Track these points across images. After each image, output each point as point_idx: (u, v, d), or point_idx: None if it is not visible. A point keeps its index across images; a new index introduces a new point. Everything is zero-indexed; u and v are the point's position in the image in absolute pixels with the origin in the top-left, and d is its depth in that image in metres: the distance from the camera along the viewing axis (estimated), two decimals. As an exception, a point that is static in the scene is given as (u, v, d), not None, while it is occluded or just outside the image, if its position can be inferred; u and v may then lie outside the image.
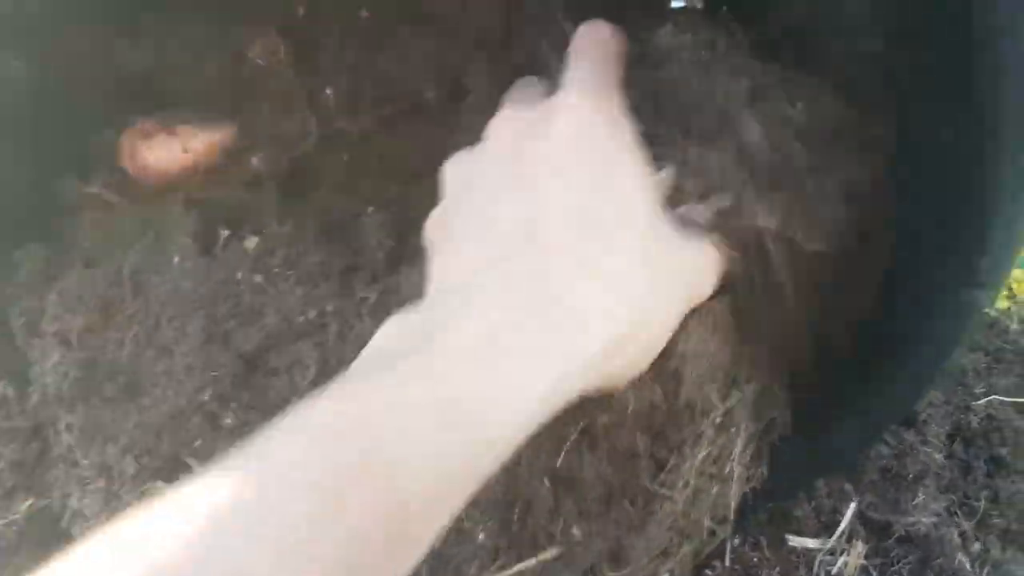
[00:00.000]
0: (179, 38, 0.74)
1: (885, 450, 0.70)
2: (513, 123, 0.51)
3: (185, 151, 0.72)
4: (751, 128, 0.50)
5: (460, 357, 0.36)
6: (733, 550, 0.63)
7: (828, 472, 0.65)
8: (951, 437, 0.73)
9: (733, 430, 0.56)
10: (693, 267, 0.46)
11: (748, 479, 0.59)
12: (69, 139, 0.72)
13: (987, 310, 0.99)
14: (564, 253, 0.41)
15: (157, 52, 0.74)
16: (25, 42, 0.67)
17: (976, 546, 0.66)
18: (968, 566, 0.64)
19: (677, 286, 0.45)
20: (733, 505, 0.55)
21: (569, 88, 0.48)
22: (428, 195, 0.81)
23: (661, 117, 0.52)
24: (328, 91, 0.75)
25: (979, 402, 0.75)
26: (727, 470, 0.56)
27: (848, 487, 0.68)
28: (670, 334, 0.45)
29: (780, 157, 0.50)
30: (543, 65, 0.80)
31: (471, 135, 0.79)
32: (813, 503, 0.66)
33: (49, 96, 0.70)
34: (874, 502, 0.67)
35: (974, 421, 0.73)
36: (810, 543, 0.64)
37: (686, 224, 0.47)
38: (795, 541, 0.64)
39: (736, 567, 0.62)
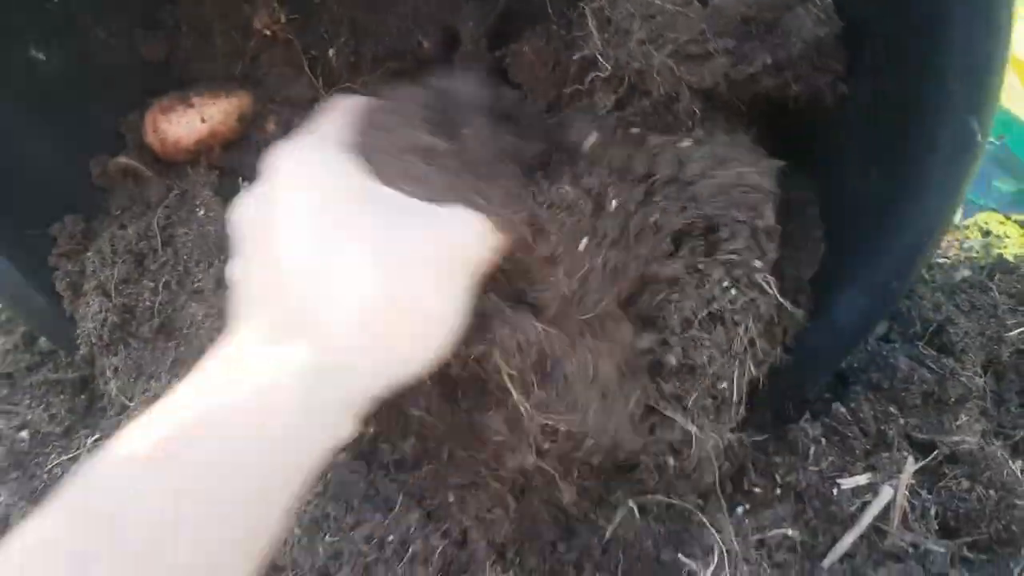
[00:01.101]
0: (191, 22, 0.80)
1: (927, 375, 0.69)
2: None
3: (203, 120, 0.77)
4: None
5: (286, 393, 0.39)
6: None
7: (838, 354, 0.65)
8: (984, 368, 0.72)
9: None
10: (454, 238, 0.47)
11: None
12: (97, 122, 0.78)
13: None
14: (301, 273, 0.42)
15: (172, 37, 0.80)
16: (47, 34, 0.73)
17: (1020, 463, 0.65)
18: (1019, 474, 0.63)
19: (437, 262, 0.46)
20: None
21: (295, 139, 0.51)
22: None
23: None
24: (331, 52, 0.80)
25: (1011, 334, 0.75)
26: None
27: (893, 409, 0.68)
28: (458, 303, 0.47)
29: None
30: (531, 7, 0.84)
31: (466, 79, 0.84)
32: (861, 426, 0.66)
33: (74, 83, 0.75)
34: (918, 424, 0.66)
35: (1005, 353, 0.72)
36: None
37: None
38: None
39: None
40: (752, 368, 0.58)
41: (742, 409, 0.58)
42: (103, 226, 0.73)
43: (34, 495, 0.67)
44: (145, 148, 0.79)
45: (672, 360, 0.58)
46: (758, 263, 0.58)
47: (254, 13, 0.78)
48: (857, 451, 0.65)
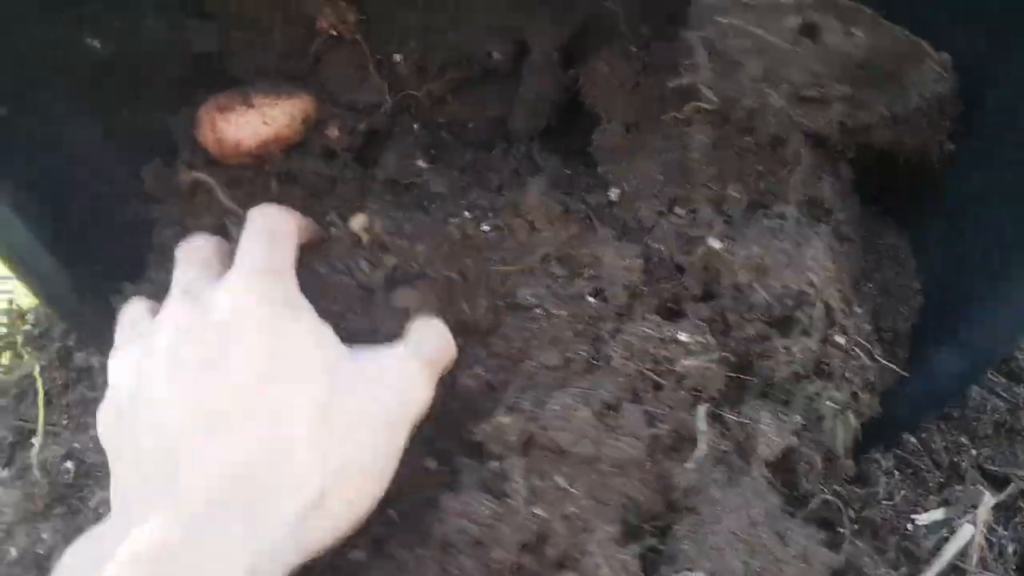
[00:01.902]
0: (246, 15, 0.75)
1: (999, 404, 0.72)
2: (179, 313, 0.50)
3: (265, 123, 0.73)
4: None
5: (138, 571, 0.36)
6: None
7: (933, 408, 0.68)
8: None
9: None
10: (397, 391, 0.48)
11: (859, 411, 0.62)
12: (146, 118, 0.73)
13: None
14: (242, 435, 0.41)
15: (225, 28, 0.76)
16: (101, 19, 0.68)
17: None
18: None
19: (379, 420, 0.46)
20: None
21: (236, 269, 0.52)
22: (497, 161, 0.84)
23: None
24: (398, 58, 0.77)
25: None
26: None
27: (964, 439, 0.70)
28: (391, 460, 0.46)
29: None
30: (605, 24, 0.83)
31: (534, 95, 0.83)
32: (933, 457, 0.68)
33: (125, 74, 0.71)
34: (991, 455, 0.69)
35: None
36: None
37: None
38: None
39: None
40: (853, 422, 0.60)
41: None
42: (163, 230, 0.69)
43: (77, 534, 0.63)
44: (197, 148, 0.74)
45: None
46: (841, 339, 0.59)
47: (319, 12, 0.74)
48: (930, 484, 0.68)
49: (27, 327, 0.79)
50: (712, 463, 0.53)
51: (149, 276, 0.70)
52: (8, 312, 0.80)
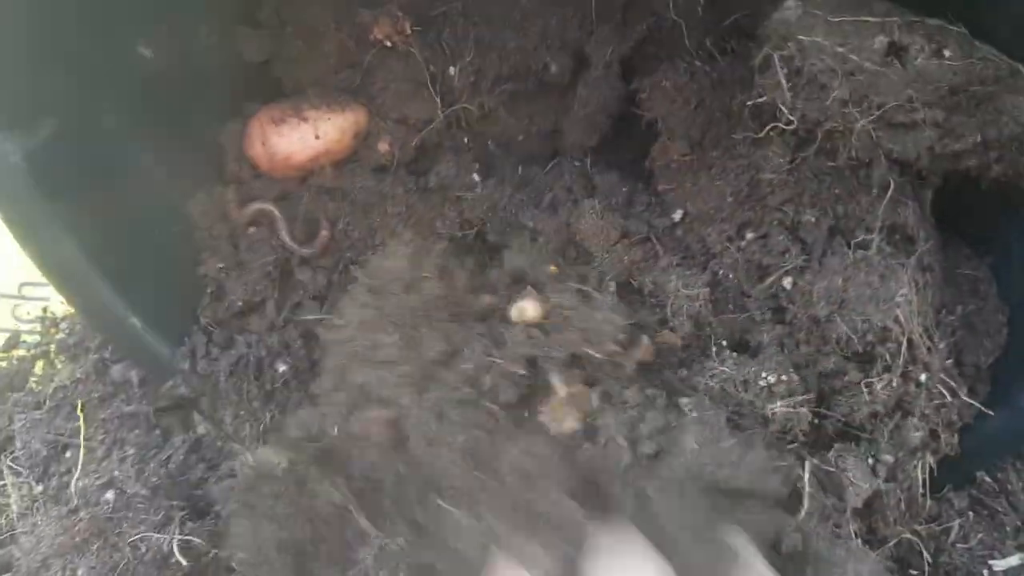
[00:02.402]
0: (299, 24, 0.74)
1: None
2: None
3: (317, 137, 0.71)
4: None
5: None
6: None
7: (1014, 447, 0.65)
8: None
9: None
10: None
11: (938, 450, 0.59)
12: (196, 130, 0.72)
13: None
14: None
15: (276, 38, 0.74)
16: (154, 30, 0.66)
17: None
18: None
19: None
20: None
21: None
22: (546, 179, 0.82)
23: None
24: (452, 70, 0.75)
25: None
26: None
27: None
28: None
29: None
30: (665, 37, 0.81)
31: (592, 108, 0.80)
32: (1009, 498, 0.66)
33: (176, 85, 0.69)
34: None
35: None
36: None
37: None
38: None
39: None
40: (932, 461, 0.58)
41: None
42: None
43: (114, 573, 0.60)
44: (245, 160, 0.72)
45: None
46: (923, 376, 0.57)
47: (375, 21, 0.72)
48: (1008, 527, 0.65)
49: (61, 335, 0.77)
50: (816, 520, 0.51)
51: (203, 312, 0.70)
52: (42, 320, 0.79)
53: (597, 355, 0.55)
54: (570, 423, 0.59)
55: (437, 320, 0.56)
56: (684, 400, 0.56)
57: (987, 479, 0.67)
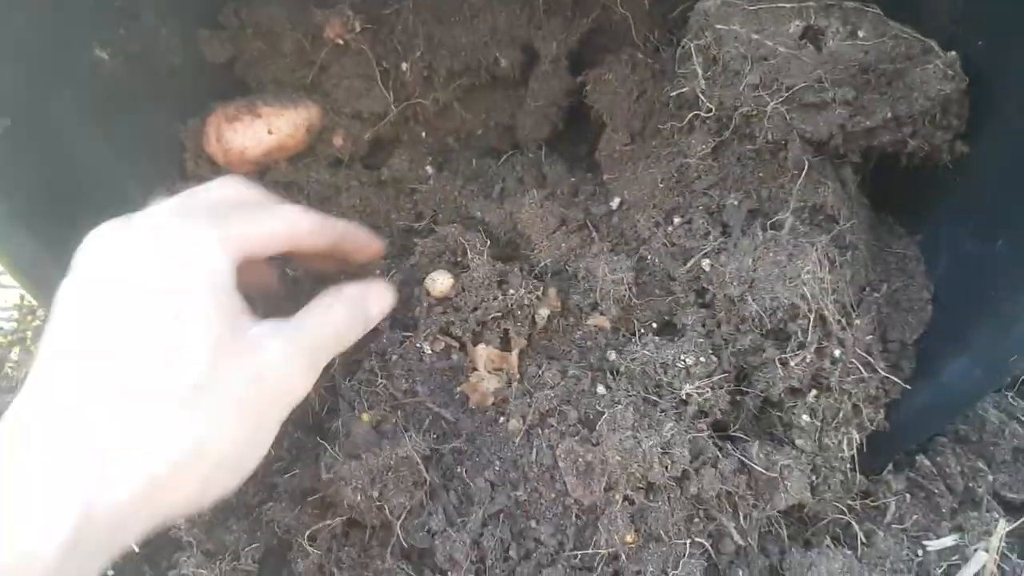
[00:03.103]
0: (257, 25, 0.78)
1: (1019, 429, 0.69)
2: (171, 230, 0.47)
3: (270, 132, 0.75)
4: None
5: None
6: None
7: (940, 422, 0.65)
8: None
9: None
10: (272, 381, 0.45)
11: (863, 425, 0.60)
12: (157, 127, 0.76)
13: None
14: (117, 391, 0.40)
15: (237, 39, 0.78)
16: (111, 32, 0.70)
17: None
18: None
19: (252, 401, 0.44)
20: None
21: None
22: (500, 170, 0.84)
23: None
24: (404, 66, 0.78)
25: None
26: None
27: (981, 464, 0.68)
28: (254, 449, 0.45)
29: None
30: (613, 30, 0.83)
31: (543, 101, 0.83)
32: (947, 481, 0.66)
33: (136, 85, 0.73)
34: (1008, 482, 0.66)
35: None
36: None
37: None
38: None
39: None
40: (857, 437, 0.59)
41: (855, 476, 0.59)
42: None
43: None
44: (204, 157, 0.76)
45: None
46: (838, 352, 0.58)
47: (327, 21, 0.76)
48: (943, 509, 0.66)
49: (37, 323, 0.81)
50: None
51: None
52: (19, 308, 0.83)
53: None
54: (488, 398, 0.61)
55: None
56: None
57: (926, 462, 0.67)
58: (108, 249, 0.46)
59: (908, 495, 0.66)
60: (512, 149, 0.86)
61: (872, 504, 0.65)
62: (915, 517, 0.64)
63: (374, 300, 0.55)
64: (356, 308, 0.53)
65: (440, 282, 0.60)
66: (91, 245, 0.47)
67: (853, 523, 0.62)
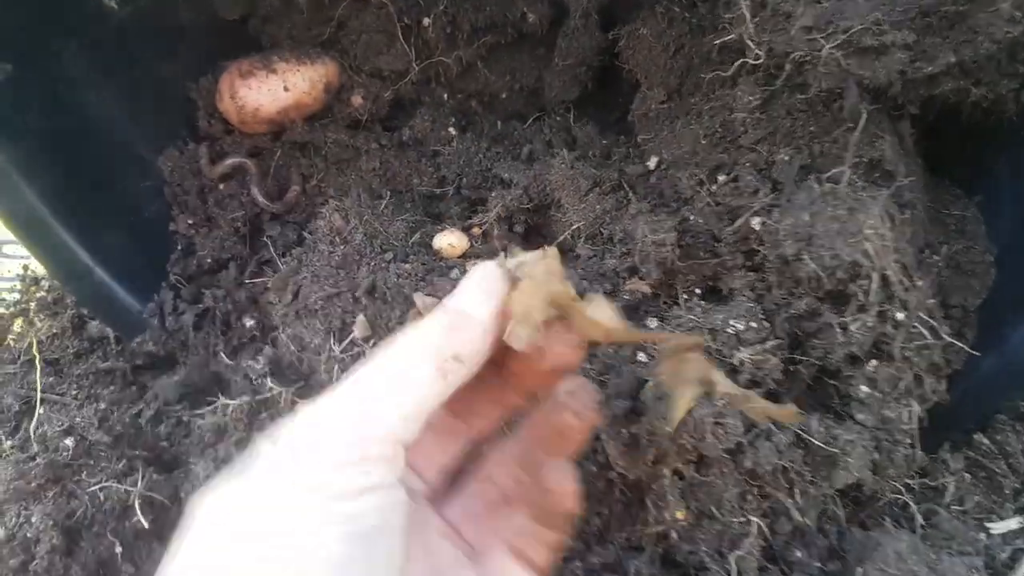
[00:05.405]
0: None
1: None
2: None
3: (286, 89, 0.73)
4: None
5: None
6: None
7: (1006, 394, 0.63)
8: None
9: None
10: None
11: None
12: (167, 84, 0.74)
13: None
14: None
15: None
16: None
17: None
18: None
19: None
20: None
21: None
22: (526, 132, 0.82)
23: None
24: (426, 21, 0.76)
25: None
26: None
27: None
28: None
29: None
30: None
31: (572, 60, 0.80)
32: (1008, 460, 0.63)
33: (146, 39, 0.71)
34: None
35: None
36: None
37: None
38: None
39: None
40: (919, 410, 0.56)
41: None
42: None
43: (70, 521, 0.60)
44: (216, 115, 0.74)
45: None
46: (901, 315, 0.55)
47: (345, -28, 0.73)
48: (1006, 490, 0.63)
49: (41, 294, 0.80)
50: None
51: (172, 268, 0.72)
52: (22, 278, 0.81)
53: None
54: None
55: None
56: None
57: (985, 441, 0.65)
58: None
59: (967, 474, 0.63)
60: (539, 113, 0.84)
61: (930, 484, 0.63)
62: (976, 498, 0.62)
63: None
64: None
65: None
66: None
67: (911, 503, 0.59)
